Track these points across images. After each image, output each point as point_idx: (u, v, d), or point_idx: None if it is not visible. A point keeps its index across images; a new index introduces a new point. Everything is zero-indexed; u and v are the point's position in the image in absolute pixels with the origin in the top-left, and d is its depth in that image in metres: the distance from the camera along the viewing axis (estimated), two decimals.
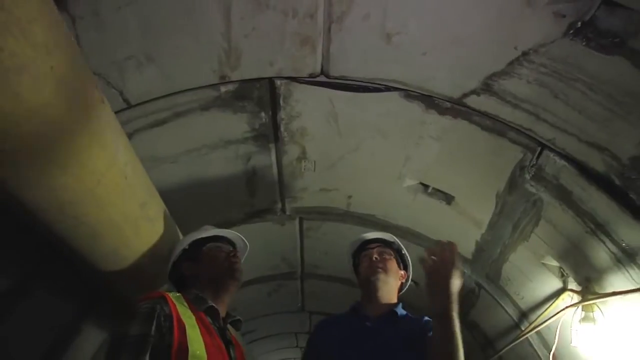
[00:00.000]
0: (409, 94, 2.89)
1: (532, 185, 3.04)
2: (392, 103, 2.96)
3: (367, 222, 4.34)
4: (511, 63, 2.46)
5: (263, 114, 3.13)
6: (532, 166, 2.94)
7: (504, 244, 3.66)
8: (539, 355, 3.92)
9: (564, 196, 2.88)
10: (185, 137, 3.20)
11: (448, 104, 2.88)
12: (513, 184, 3.16)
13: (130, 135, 2.68)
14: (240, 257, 2.52)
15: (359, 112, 3.10)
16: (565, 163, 2.76)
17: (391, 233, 4.15)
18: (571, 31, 2.17)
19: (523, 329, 4.00)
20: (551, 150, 2.78)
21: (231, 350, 2.19)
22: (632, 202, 2.53)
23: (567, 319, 3.28)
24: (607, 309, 3.00)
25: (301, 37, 2.54)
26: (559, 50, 2.29)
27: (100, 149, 1.88)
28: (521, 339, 4.01)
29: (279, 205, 4.29)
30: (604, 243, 2.79)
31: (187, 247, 2.47)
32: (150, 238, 2.65)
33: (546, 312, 3.54)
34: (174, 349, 1.88)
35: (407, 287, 2.77)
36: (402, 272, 2.71)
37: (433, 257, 2.06)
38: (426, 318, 2.48)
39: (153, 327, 1.91)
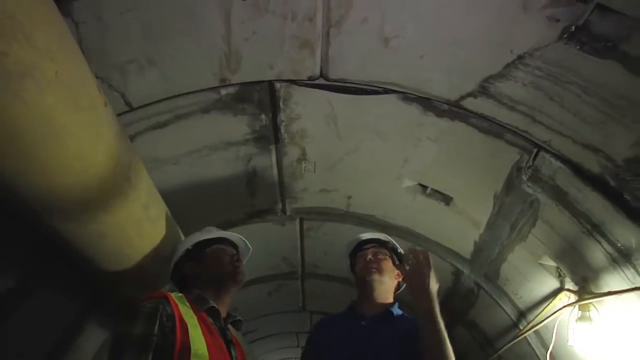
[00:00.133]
0: (407, 97, 2.92)
1: (528, 186, 3.07)
2: (390, 105, 2.99)
3: (367, 222, 4.38)
4: (507, 66, 2.49)
5: (263, 116, 3.17)
6: (528, 167, 2.98)
7: (502, 244, 3.69)
8: (537, 354, 3.96)
9: (560, 197, 2.91)
10: (187, 139, 3.24)
11: (445, 106, 2.91)
12: (510, 185, 3.19)
13: (132, 137, 2.73)
14: (242, 260, 2.55)
15: (357, 114, 3.14)
16: (561, 164, 2.79)
17: (391, 233, 4.19)
18: (565, 35, 2.21)
19: (521, 328, 4.03)
20: (547, 151, 2.81)
21: (232, 350, 2.21)
22: (626, 202, 2.55)
23: (564, 319, 3.31)
24: (603, 308, 3.04)
25: (300, 40, 2.58)
26: (554, 54, 2.32)
27: (103, 152, 1.92)
28: (519, 338, 4.04)
29: (280, 206, 4.32)
30: (599, 243, 2.82)
31: (190, 248, 2.49)
32: (152, 239, 2.69)
33: (544, 312, 3.58)
34: (176, 349, 1.91)
35: (404, 286, 2.80)
36: (398, 271, 2.72)
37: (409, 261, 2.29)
38: None
39: (156, 327, 1.93)
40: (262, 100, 3.02)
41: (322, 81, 2.88)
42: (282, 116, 3.18)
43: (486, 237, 3.80)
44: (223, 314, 2.30)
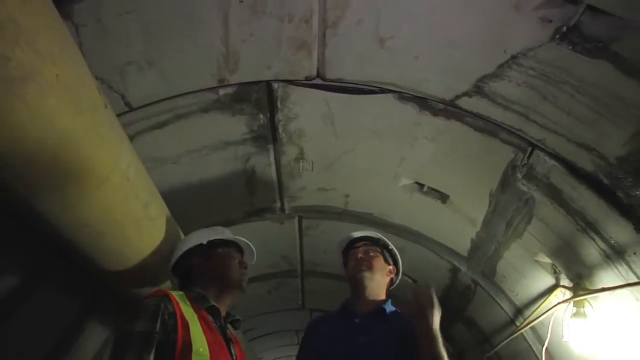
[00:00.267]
0: (403, 96, 2.95)
1: (523, 184, 3.10)
2: (386, 105, 3.02)
3: (365, 220, 4.41)
4: (501, 66, 2.52)
5: (261, 116, 3.20)
6: (523, 166, 3.01)
7: (498, 242, 3.73)
8: (533, 351, 3.99)
9: (555, 195, 2.95)
10: (186, 139, 3.27)
11: (441, 106, 2.94)
12: (505, 183, 3.23)
13: (132, 138, 2.74)
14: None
15: (354, 114, 3.17)
16: (555, 163, 2.82)
17: (388, 231, 4.26)
18: (557, 36, 2.24)
19: (518, 324, 4.07)
20: (541, 150, 2.85)
21: (232, 348, 2.25)
22: (619, 200, 2.59)
23: (559, 315, 3.35)
24: (597, 304, 3.08)
25: (297, 41, 2.61)
26: (547, 54, 2.35)
27: (103, 153, 1.96)
28: (516, 334, 4.08)
29: (278, 205, 4.35)
30: (593, 240, 2.86)
31: (204, 243, 2.50)
32: (152, 237, 2.71)
33: (540, 308, 3.62)
34: (178, 347, 1.94)
35: (398, 281, 2.84)
36: (391, 267, 2.77)
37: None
38: None
39: (158, 325, 1.96)
40: (260, 100, 3.05)
41: (319, 81, 2.91)
42: (279, 116, 3.21)
43: (482, 234, 3.83)
44: (223, 313, 2.33)
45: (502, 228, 3.58)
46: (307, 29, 2.53)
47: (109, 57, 2.47)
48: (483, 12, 2.31)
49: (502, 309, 4.27)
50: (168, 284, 2.99)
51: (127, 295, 3.12)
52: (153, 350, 1.92)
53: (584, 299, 3.13)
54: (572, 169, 2.77)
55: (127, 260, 2.66)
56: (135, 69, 2.58)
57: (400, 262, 2.84)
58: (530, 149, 2.90)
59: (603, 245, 2.81)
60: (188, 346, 1.95)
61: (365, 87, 2.94)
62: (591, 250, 2.92)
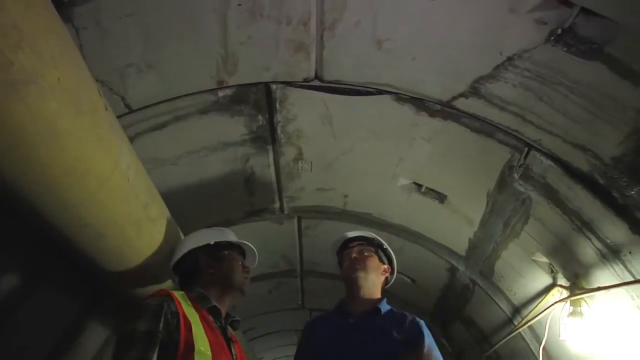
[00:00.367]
0: (401, 97, 2.98)
1: (520, 185, 3.13)
2: (384, 106, 3.05)
3: (364, 220, 4.43)
4: (497, 67, 2.55)
5: (260, 117, 3.23)
6: (520, 166, 3.03)
7: (496, 241, 3.75)
8: (531, 349, 4.02)
9: (551, 195, 2.98)
10: (185, 140, 3.30)
11: (438, 107, 2.97)
12: (503, 183, 3.25)
13: (132, 139, 2.77)
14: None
15: (352, 115, 3.20)
16: (552, 163, 2.85)
17: (387, 231, 4.29)
18: (552, 37, 2.26)
19: (516, 324, 4.09)
20: (537, 150, 2.87)
21: (232, 348, 2.27)
22: (615, 200, 2.62)
23: (556, 314, 3.37)
24: (593, 303, 3.10)
25: (295, 43, 2.64)
26: (542, 56, 2.38)
27: (104, 154, 1.98)
28: (514, 333, 4.10)
29: (277, 205, 4.38)
30: (590, 240, 2.89)
31: (212, 244, 2.51)
32: (152, 238, 2.73)
33: (537, 307, 3.64)
34: (180, 346, 1.96)
35: (393, 280, 2.85)
36: (386, 266, 2.78)
37: None
38: (417, 319, 2.57)
39: (161, 324, 1.98)
40: (259, 101, 3.08)
41: (317, 83, 2.93)
42: (278, 117, 3.24)
43: (480, 234, 3.86)
44: (223, 314, 2.35)
45: (500, 228, 3.60)
46: (305, 31, 2.56)
47: (109, 60, 2.50)
48: (479, 14, 2.34)
49: (500, 308, 4.29)
50: (168, 283, 3.01)
51: (127, 295, 3.14)
52: (156, 350, 1.93)
53: (581, 298, 3.16)
54: (568, 169, 2.79)
55: (127, 261, 2.68)
56: (135, 71, 2.61)
57: (395, 261, 2.85)
58: (526, 149, 2.93)
59: (599, 245, 2.84)
60: (190, 346, 1.97)
61: (363, 88, 2.97)
62: (587, 249, 2.95)
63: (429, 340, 2.49)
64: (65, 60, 1.64)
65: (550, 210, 3.05)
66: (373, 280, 2.68)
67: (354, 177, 3.92)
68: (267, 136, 3.43)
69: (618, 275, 2.79)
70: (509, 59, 2.48)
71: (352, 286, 2.65)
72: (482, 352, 5.04)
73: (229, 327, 2.40)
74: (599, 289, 2.93)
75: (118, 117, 2.37)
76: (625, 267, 2.71)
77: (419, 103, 2.99)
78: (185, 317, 2.05)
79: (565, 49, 2.28)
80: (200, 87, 2.90)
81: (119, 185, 2.18)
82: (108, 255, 2.58)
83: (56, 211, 2.05)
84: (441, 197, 3.82)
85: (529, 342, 4.05)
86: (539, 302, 3.61)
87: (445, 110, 2.98)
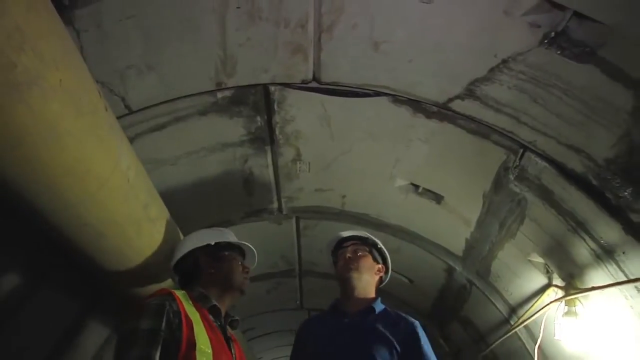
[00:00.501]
0: (397, 99, 3.01)
1: (516, 185, 3.16)
2: (381, 107, 3.08)
3: (361, 221, 4.46)
4: (492, 70, 2.58)
5: (258, 118, 3.26)
6: (515, 167, 3.06)
7: (492, 242, 3.78)
8: (527, 349, 4.05)
9: (546, 196, 3.00)
10: (185, 141, 3.33)
11: (434, 108, 3.00)
12: (498, 184, 3.28)
13: (132, 140, 2.80)
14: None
15: (350, 116, 3.23)
16: (546, 164, 2.88)
17: (384, 232, 4.31)
18: (546, 40, 2.30)
19: (512, 323, 4.12)
20: (532, 152, 2.90)
21: (232, 347, 2.30)
22: (608, 201, 2.64)
23: (552, 314, 3.40)
24: (588, 303, 3.13)
25: (293, 46, 2.67)
26: (536, 58, 2.41)
27: (104, 154, 2.01)
28: (510, 333, 4.13)
29: (276, 205, 4.41)
30: (584, 240, 2.92)
31: (212, 244, 2.53)
32: (152, 238, 2.75)
33: (533, 307, 3.67)
34: (182, 345, 1.98)
35: (387, 279, 2.87)
36: (380, 265, 2.80)
37: None
38: (412, 319, 2.60)
39: (163, 323, 2.00)
40: (257, 102, 3.11)
41: (314, 84, 2.96)
42: (276, 118, 3.27)
43: (477, 234, 3.89)
44: (223, 313, 2.38)
45: (496, 228, 3.63)
46: (303, 34, 2.59)
47: (110, 62, 2.53)
48: (474, 17, 2.37)
49: (497, 308, 4.32)
50: (168, 283, 3.03)
51: (127, 295, 3.16)
52: (159, 348, 1.94)
53: (575, 298, 3.18)
54: (563, 170, 2.82)
55: (127, 260, 2.70)
56: (135, 72, 2.64)
57: (389, 260, 2.87)
58: (521, 150, 2.96)
59: (593, 245, 2.87)
60: (192, 344, 1.99)
61: (360, 90, 3.00)
62: (582, 250, 2.97)
63: (423, 340, 2.51)
64: (67, 62, 1.67)
65: (545, 211, 3.08)
66: (367, 280, 2.69)
67: (352, 177, 3.95)
68: (266, 137, 3.45)
69: (612, 275, 2.81)
70: (504, 61, 2.51)
71: (346, 286, 2.66)
72: (478, 352, 5.07)
73: (228, 327, 2.42)
74: (593, 288, 2.95)
75: (118, 118, 2.39)
76: (619, 267, 2.74)
77: (416, 105, 3.02)
78: (187, 315, 2.07)
79: (558, 52, 2.31)
80: (199, 88, 2.93)
81: (119, 186, 2.20)
82: (108, 254, 2.60)
83: (56, 211, 2.07)
84: (438, 198, 3.85)
85: (525, 341, 4.08)
86: (535, 302, 3.64)
87: (441, 111, 3.01)
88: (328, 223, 4.68)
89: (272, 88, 3.00)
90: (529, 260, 3.56)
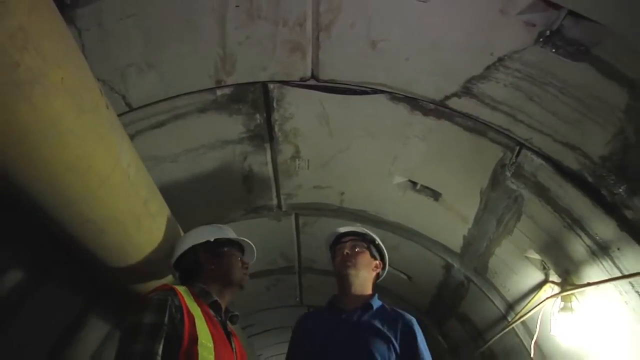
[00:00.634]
0: (395, 97, 3.04)
1: (512, 182, 3.18)
2: (379, 105, 3.11)
3: (360, 218, 4.49)
4: (488, 68, 2.61)
5: (258, 116, 3.29)
6: (512, 164, 3.09)
7: (490, 238, 3.81)
8: (524, 345, 4.07)
9: (542, 193, 3.03)
10: (184, 138, 3.35)
11: (432, 106, 3.03)
12: (495, 181, 3.31)
13: (132, 137, 2.83)
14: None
15: (348, 114, 3.25)
16: (542, 161, 2.90)
17: (383, 229, 4.34)
18: (541, 39, 2.32)
19: (509, 320, 4.15)
20: (529, 149, 2.93)
21: (232, 341, 2.33)
22: (603, 198, 2.67)
23: (548, 309, 3.43)
24: (583, 298, 3.16)
25: (292, 44, 2.70)
26: (531, 57, 2.44)
27: (105, 152, 2.04)
28: (507, 329, 4.16)
29: (275, 202, 4.44)
30: (580, 237, 2.95)
31: (212, 240, 2.56)
32: (152, 234, 2.78)
33: (530, 304, 3.69)
34: (184, 339, 2.01)
35: (384, 275, 2.89)
36: (377, 262, 2.81)
37: None
38: (409, 316, 2.61)
39: (166, 317, 2.02)
40: (257, 100, 3.14)
41: (313, 82, 2.99)
42: (275, 115, 3.30)
43: (474, 231, 3.92)
44: (223, 308, 2.41)
45: (493, 225, 3.66)
46: (301, 32, 2.62)
47: (110, 60, 2.56)
48: (470, 16, 2.40)
49: (494, 304, 4.35)
50: (169, 279, 3.06)
51: (128, 291, 3.19)
52: (162, 342, 1.97)
53: (572, 294, 3.21)
54: (558, 168, 2.85)
55: (128, 257, 2.74)
56: (136, 70, 2.67)
57: (387, 256, 2.88)
58: (518, 148, 2.98)
59: (589, 242, 2.90)
60: (194, 339, 2.02)
61: (358, 87, 3.02)
62: (577, 246, 3.00)
63: (420, 338, 2.53)
64: (68, 61, 1.69)
65: (541, 208, 3.11)
66: (364, 277, 2.70)
67: (350, 175, 3.98)
68: (265, 134, 3.48)
69: (607, 271, 2.84)
70: (500, 59, 2.53)
71: (344, 283, 2.67)
72: (476, 349, 5.09)
73: (228, 322, 2.45)
74: (588, 284, 2.98)
75: (119, 115, 2.41)
76: (614, 263, 2.77)
77: (413, 102, 3.04)
78: (188, 311, 2.10)
79: (553, 50, 2.34)
80: (199, 86, 2.95)
81: (119, 182, 2.23)
82: (109, 250, 2.63)
83: (58, 207, 2.10)
84: (436, 195, 3.87)
85: (522, 338, 4.10)
86: (532, 298, 3.66)
87: (438, 109, 3.03)
88: (327, 220, 4.70)
89: (271, 86, 3.03)
90: (526, 257, 3.59)
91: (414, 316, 2.66)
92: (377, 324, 2.54)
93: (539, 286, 3.60)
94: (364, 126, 3.36)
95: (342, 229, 2.89)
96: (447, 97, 2.91)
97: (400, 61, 2.75)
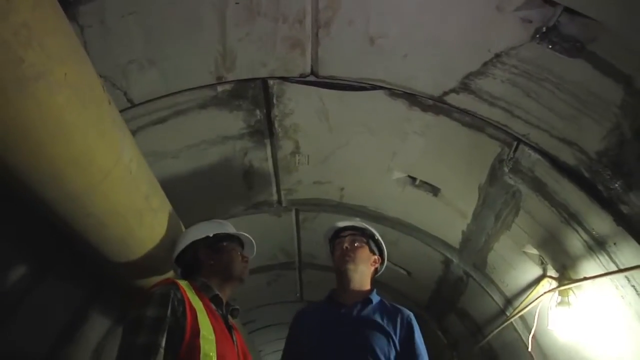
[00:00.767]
0: (394, 92, 3.06)
1: (510, 178, 3.21)
2: (378, 101, 3.13)
3: (360, 213, 4.49)
4: (485, 64, 2.63)
5: (258, 112, 3.31)
6: (509, 159, 3.11)
7: (488, 234, 3.84)
8: (523, 340, 4.10)
9: (540, 188, 3.06)
10: (186, 134, 3.38)
11: (430, 102, 3.05)
12: (493, 176, 3.33)
13: (134, 132, 2.84)
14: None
15: (347, 110, 3.28)
16: (539, 157, 2.92)
17: (382, 224, 4.37)
18: (537, 35, 2.34)
19: (508, 315, 4.18)
20: (526, 144, 2.95)
21: (233, 334, 2.37)
22: (600, 193, 2.69)
23: (546, 304, 3.46)
24: (580, 293, 3.19)
25: (291, 41, 2.72)
26: (528, 53, 2.46)
27: (107, 147, 2.06)
28: (505, 324, 4.19)
29: (275, 198, 4.47)
30: (577, 232, 2.97)
31: (211, 236, 2.60)
32: (153, 229, 2.81)
33: (528, 298, 3.72)
34: (187, 332, 2.04)
35: (383, 270, 2.91)
36: (376, 257, 2.83)
37: None
38: (407, 312, 2.64)
39: (169, 311, 2.06)
40: (257, 96, 3.16)
41: (312, 78, 3.01)
42: (275, 111, 3.32)
43: (473, 226, 3.94)
44: (224, 302, 2.45)
45: (492, 220, 3.69)
46: (301, 29, 2.64)
47: (112, 56, 2.58)
48: (467, 12, 2.42)
49: (493, 299, 4.38)
50: (170, 275, 3.09)
51: (129, 285, 3.22)
52: (165, 335, 2.00)
53: (569, 288, 3.24)
54: (555, 163, 2.87)
55: (129, 251, 2.76)
56: (137, 67, 2.70)
57: (385, 251, 2.90)
58: (515, 143, 3.00)
59: (585, 237, 2.92)
60: (196, 332, 2.05)
61: (357, 84, 3.05)
62: (574, 241, 3.03)
63: (417, 333, 2.56)
64: (71, 57, 1.72)
65: (539, 203, 3.13)
66: (363, 272, 2.72)
67: (350, 170, 4.00)
68: (265, 130, 3.51)
69: (603, 265, 2.87)
70: (497, 55, 2.56)
71: (343, 278, 2.70)
72: (476, 343, 5.13)
73: (229, 315, 2.49)
74: (585, 279, 3.01)
75: (121, 111, 2.44)
76: (610, 257, 2.79)
77: (412, 98, 3.07)
78: (190, 304, 2.13)
79: (550, 47, 2.36)
80: (199, 82, 2.98)
81: (121, 177, 2.25)
82: (111, 245, 2.65)
83: (61, 201, 2.12)
84: (435, 190, 3.90)
85: (520, 332, 4.13)
86: (530, 293, 3.69)
87: (437, 105, 3.05)
88: (327, 215, 4.73)
89: (271, 82, 3.06)
90: (524, 252, 3.61)
91: (413, 311, 2.69)
92: (377, 318, 2.56)
93: (536, 281, 3.63)
94: (363, 122, 3.38)
95: (342, 224, 2.91)
96: (446, 93, 2.94)
97: (398, 57, 2.77)
